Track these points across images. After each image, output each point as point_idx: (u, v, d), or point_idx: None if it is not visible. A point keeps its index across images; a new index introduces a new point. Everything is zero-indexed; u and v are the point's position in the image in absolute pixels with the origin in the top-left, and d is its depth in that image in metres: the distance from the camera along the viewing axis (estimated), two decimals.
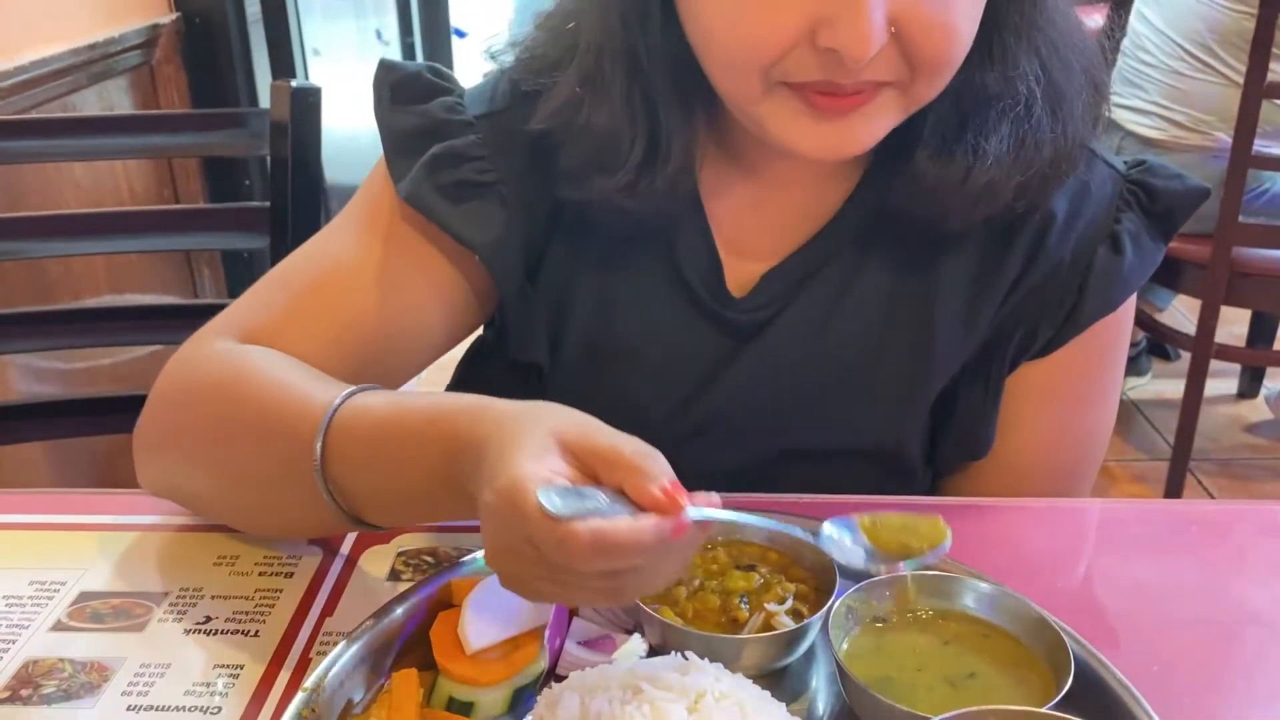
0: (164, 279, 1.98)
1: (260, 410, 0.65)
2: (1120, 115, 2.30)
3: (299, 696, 0.54)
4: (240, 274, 2.10)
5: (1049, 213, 0.75)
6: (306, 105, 1.06)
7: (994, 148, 0.68)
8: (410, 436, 0.59)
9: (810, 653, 0.62)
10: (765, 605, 0.60)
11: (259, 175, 2.12)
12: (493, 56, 0.78)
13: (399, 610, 0.61)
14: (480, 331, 0.87)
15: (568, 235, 0.76)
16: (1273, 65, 1.94)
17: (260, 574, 0.71)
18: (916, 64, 0.63)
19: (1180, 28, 2.21)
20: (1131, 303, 0.79)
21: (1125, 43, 2.23)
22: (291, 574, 0.71)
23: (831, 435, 0.79)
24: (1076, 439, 0.82)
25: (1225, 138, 2.04)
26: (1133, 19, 2.14)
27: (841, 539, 0.56)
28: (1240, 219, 2.03)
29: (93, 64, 1.80)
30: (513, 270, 0.75)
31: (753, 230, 0.77)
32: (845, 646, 0.58)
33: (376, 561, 0.72)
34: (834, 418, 0.79)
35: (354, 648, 0.57)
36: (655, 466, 0.51)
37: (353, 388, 0.63)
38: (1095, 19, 2.09)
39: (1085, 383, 0.81)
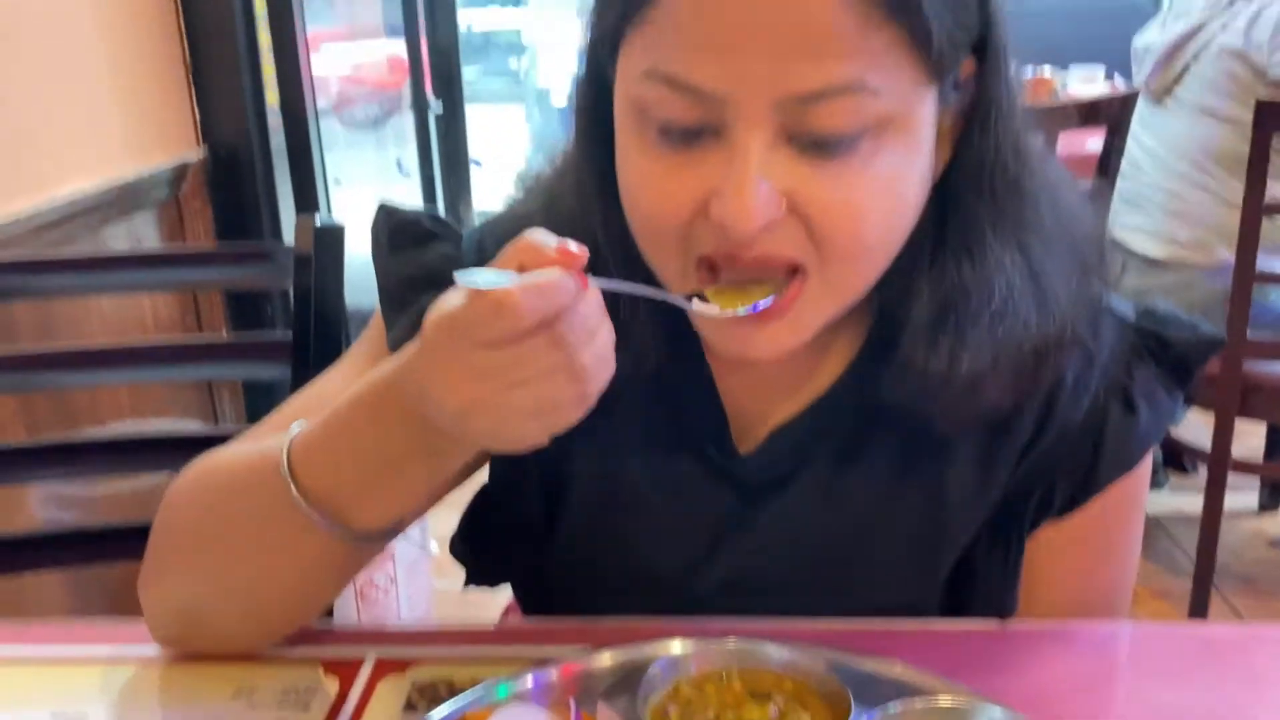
0: (185, 405, 2.01)
1: (227, 478, 0.69)
2: (1122, 235, 2.35)
3: None
4: (261, 401, 2.12)
5: (1059, 371, 0.72)
6: (329, 241, 1.10)
7: (971, 345, 0.66)
8: (356, 408, 0.64)
9: None
10: None
11: (281, 304, 2.17)
12: (521, 179, 0.80)
13: None
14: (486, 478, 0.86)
15: None
16: (1269, 184, 1.99)
17: (278, 705, 0.71)
18: (822, 246, 0.61)
19: (1176, 149, 2.28)
20: (1149, 457, 0.77)
21: (1123, 164, 2.29)
22: (308, 705, 0.71)
23: (846, 599, 0.77)
24: (1101, 594, 0.81)
25: (1227, 255, 2.07)
26: (1130, 141, 2.20)
27: None
28: (1249, 333, 2.06)
29: (123, 199, 1.87)
30: None
31: (757, 392, 0.77)
32: None
33: (392, 693, 0.72)
34: (848, 581, 0.77)
35: None
36: (541, 237, 0.55)
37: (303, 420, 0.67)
38: (1091, 143, 2.16)
39: (1107, 539, 0.79)
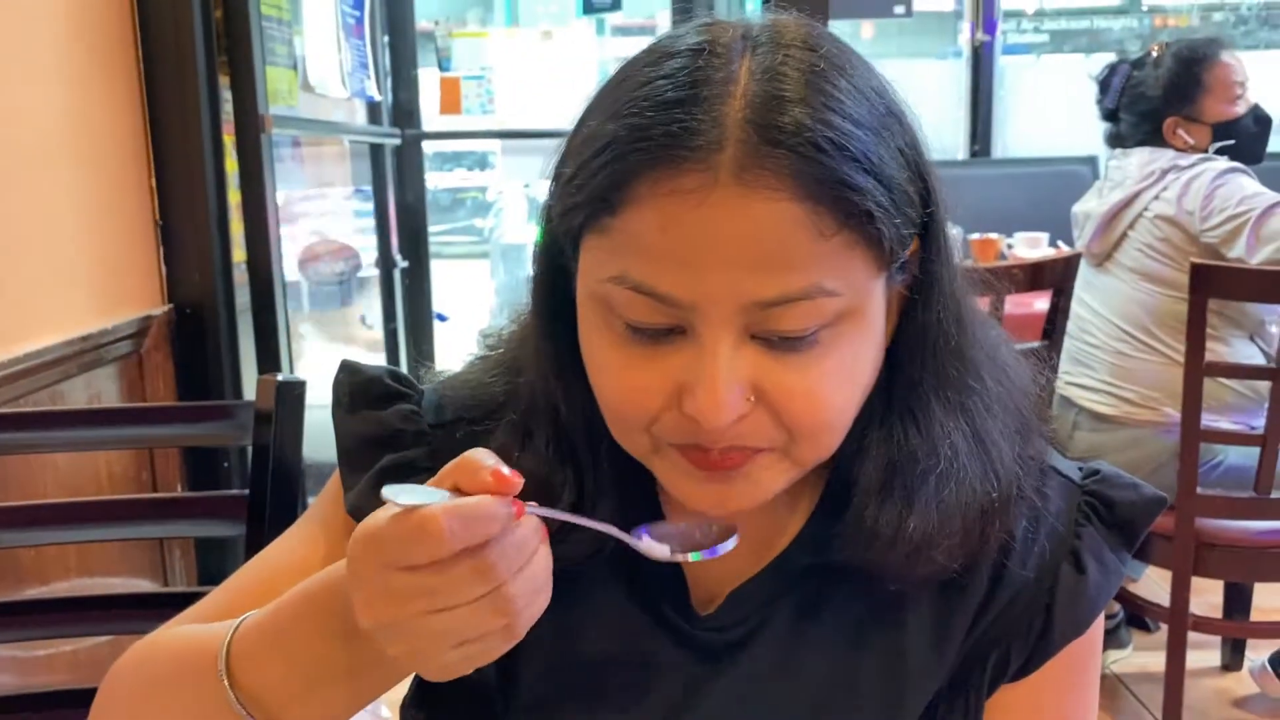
0: (135, 564, 1.96)
1: (167, 667, 0.69)
2: (1072, 392, 2.41)
3: None
4: (213, 560, 2.09)
5: (1008, 531, 0.73)
6: (290, 397, 1.11)
7: (919, 508, 0.68)
8: (299, 614, 0.63)
9: None
10: None
11: (238, 460, 2.16)
12: (484, 336, 0.81)
13: None
14: None
15: None
16: (1209, 345, 2.07)
17: None
18: (790, 429, 0.63)
19: (1119, 312, 2.37)
20: (1100, 618, 0.78)
21: (1071, 325, 2.37)
22: None
23: None
24: None
25: (1174, 413, 2.13)
26: (1075, 303, 2.29)
27: None
28: (1199, 490, 2.10)
29: (85, 354, 1.87)
30: None
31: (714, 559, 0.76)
32: None
33: None
34: None
35: None
36: (479, 458, 0.55)
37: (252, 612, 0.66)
38: (1038, 304, 2.24)
39: (1063, 702, 0.79)
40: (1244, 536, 2.16)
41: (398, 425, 0.77)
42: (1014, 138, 4.25)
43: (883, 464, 0.68)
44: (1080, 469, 0.79)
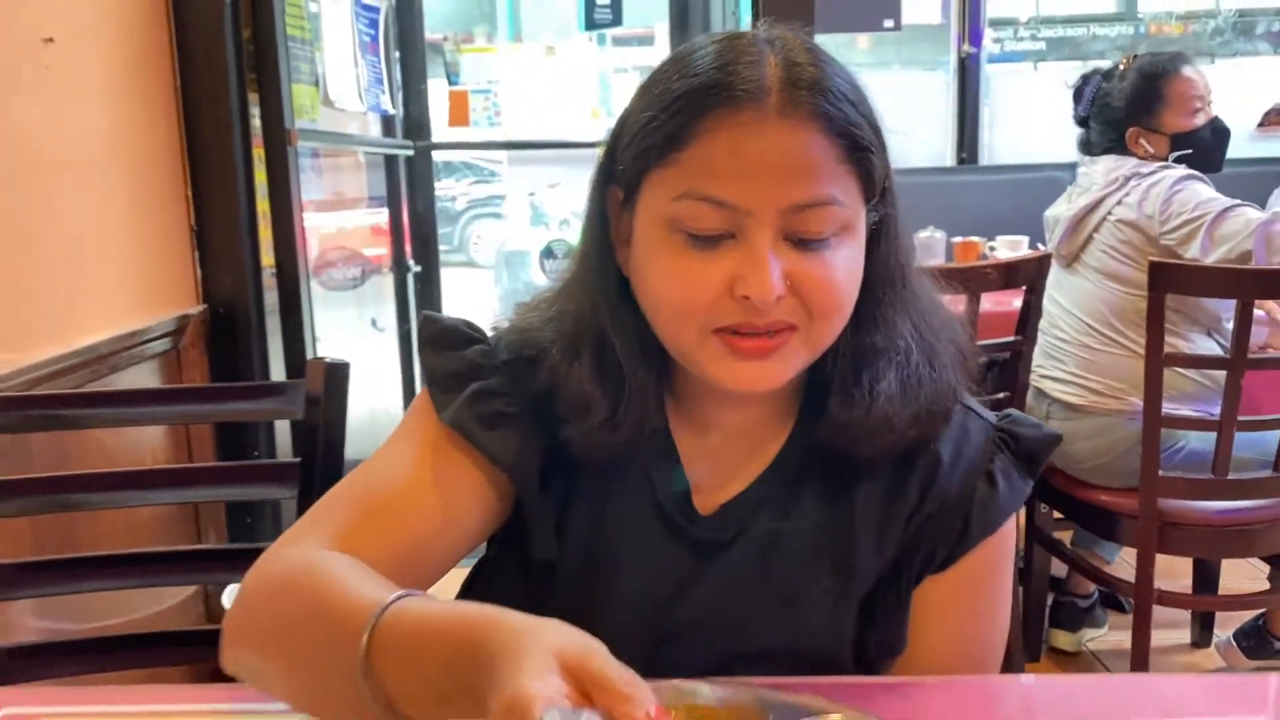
0: (174, 539, 2.13)
1: (318, 605, 0.78)
2: (1044, 385, 2.56)
3: None
4: (240, 527, 2.26)
5: (937, 456, 0.94)
6: (337, 378, 1.28)
7: (884, 389, 0.89)
8: (440, 641, 0.69)
9: None
10: None
11: (265, 442, 2.33)
12: (494, 329, 1.00)
13: None
14: (484, 550, 1.02)
15: (567, 464, 0.94)
16: (1168, 339, 2.22)
17: None
18: (811, 310, 0.84)
19: (1085, 309, 2.52)
20: (1011, 524, 0.97)
21: (1043, 323, 2.52)
22: None
23: (778, 639, 0.94)
24: (978, 638, 0.98)
25: (1138, 402, 2.28)
26: (1046, 302, 2.44)
27: None
28: (1161, 473, 2.25)
29: (130, 349, 2.04)
30: (532, 485, 0.93)
31: (711, 471, 0.96)
32: None
33: None
34: (780, 625, 0.94)
35: None
36: (639, 694, 0.59)
37: (399, 592, 0.74)
38: (1015, 302, 2.39)
39: (979, 591, 0.98)
40: (1203, 516, 2.31)
41: (477, 360, 0.96)
42: (1003, 145, 4.40)
43: (853, 359, 0.90)
44: (995, 415, 0.99)
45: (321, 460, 1.27)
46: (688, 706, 0.79)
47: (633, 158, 0.87)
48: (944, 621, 0.97)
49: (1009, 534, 0.97)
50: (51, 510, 1.26)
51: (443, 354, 0.97)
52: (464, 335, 0.98)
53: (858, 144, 0.83)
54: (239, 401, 1.30)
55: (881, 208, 0.90)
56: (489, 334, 1.00)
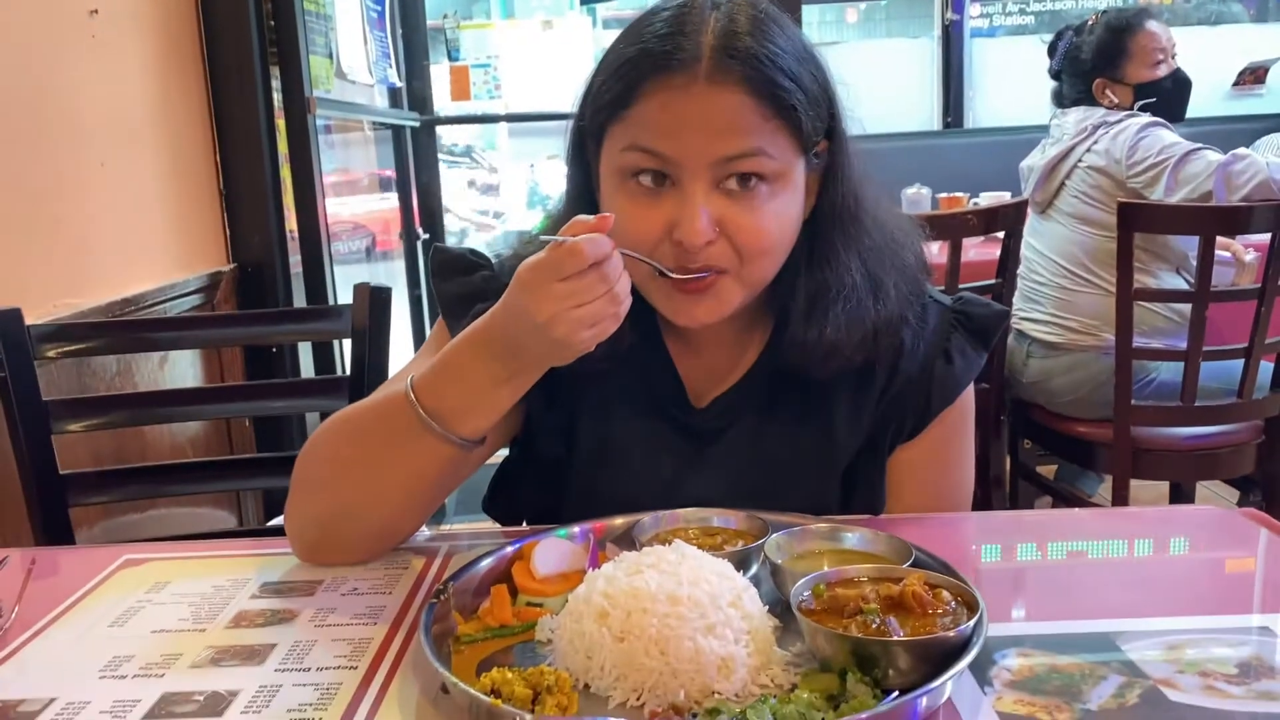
0: (210, 451, 2.29)
1: (359, 415, 0.96)
2: (1024, 325, 2.72)
3: (436, 590, 0.83)
4: (268, 440, 2.49)
5: (900, 341, 1.07)
6: (380, 302, 1.43)
7: (832, 319, 1.01)
8: (462, 350, 0.91)
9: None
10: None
11: (291, 359, 2.53)
12: (497, 256, 1.13)
13: (489, 559, 0.90)
14: (506, 452, 1.17)
15: (573, 373, 1.02)
16: (1139, 277, 2.38)
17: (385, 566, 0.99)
18: (741, 253, 0.95)
19: (1060, 252, 2.67)
20: (969, 393, 1.11)
21: (1021, 268, 2.67)
22: (407, 566, 0.99)
23: (774, 507, 1.05)
24: (946, 493, 1.13)
25: (1111, 338, 2.42)
26: (1023, 247, 2.59)
27: None
28: (1134, 403, 2.40)
29: (170, 300, 2.19)
30: (536, 393, 1.00)
31: (701, 374, 1.10)
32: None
33: (458, 562, 0.98)
34: (774, 495, 1.06)
35: (465, 575, 0.88)
36: (584, 217, 0.84)
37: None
38: (996, 252, 2.54)
39: (945, 451, 1.12)
40: (1174, 441, 2.48)
41: (481, 285, 1.09)
42: (988, 109, 4.54)
43: (805, 295, 1.02)
44: (951, 298, 1.13)
45: (368, 372, 1.43)
46: (702, 526, 0.95)
47: (592, 113, 1.00)
48: (915, 479, 1.12)
49: (968, 399, 1.12)
50: (143, 423, 1.42)
51: (452, 279, 1.10)
52: (470, 262, 1.11)
53: (784, 103, 0.93)
54: (296, 323, 1.46)
55: (827, 156, 1.01)
56: (493, 261, 1.12)
